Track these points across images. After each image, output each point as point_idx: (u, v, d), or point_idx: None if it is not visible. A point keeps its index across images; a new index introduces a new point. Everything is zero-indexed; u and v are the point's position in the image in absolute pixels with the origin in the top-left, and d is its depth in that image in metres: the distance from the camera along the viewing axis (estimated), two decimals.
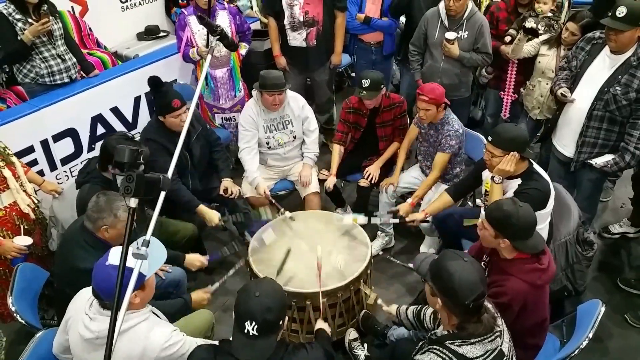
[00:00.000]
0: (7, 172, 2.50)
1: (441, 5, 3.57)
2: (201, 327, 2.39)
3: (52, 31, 3.35)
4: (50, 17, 3.30)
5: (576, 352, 2.07)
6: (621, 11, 2.61)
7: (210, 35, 2.00)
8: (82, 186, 2.62)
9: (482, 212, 2.84)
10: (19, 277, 2.35)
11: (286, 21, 3.86)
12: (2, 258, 2.57)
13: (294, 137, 3.44)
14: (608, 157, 2.91)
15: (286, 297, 1.83)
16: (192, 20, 3.62)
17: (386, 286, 3.30)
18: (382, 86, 3.26)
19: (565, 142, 3.10)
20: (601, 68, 2.85)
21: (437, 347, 1.77)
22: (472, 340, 1.75)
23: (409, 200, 3.15)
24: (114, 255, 1.78)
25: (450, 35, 3.44)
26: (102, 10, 4.84)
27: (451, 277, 1.74)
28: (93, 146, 3.62)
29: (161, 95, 3.00)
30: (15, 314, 2.21)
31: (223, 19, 3.68)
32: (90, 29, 4.59)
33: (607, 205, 3.90)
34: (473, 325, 1.76)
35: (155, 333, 1.82)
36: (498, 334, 1.79)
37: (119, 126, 3.76)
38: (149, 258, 1.59)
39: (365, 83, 3.19)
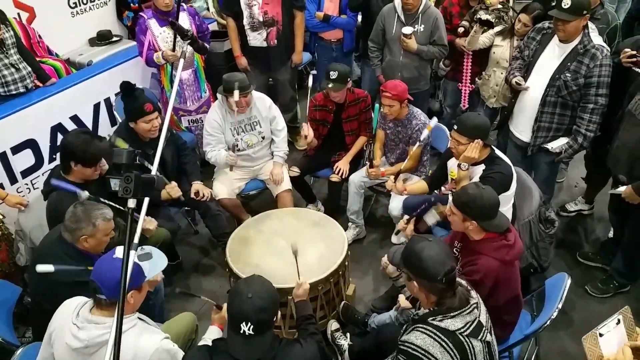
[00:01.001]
0: None
1: (396, 0, 3.68)
2: (184, 330, 2.39)
3: (3, 40, 3.23)
4: (1, 26, 3.18)
5: (548, 322, 2.20)
6: (566, 3, 2.78)
7: (181, 39, 2.00)
8: (50, 195, 2.55)
9: (450, 199, 2.98)
10: None
11: (245, 21, 3.87)
12: None
13: (263, 138, 3.45)
14: (563, 141, 3.09)
15: (277, 293, 1.86)
16: (153, 24, 3.57)
17: (361, 275, 3.38)
18: (348, 79, 3.33)
19: (522, 128, 3.27)
20: (552, 57, 3.02)
21: (421, 325, 1.87)
22: (452, 314, 1.85)
23: (381, 169, 3.25)
24: (121, 250, 1.79)
25: (407, 30, 3.56)
26: (50, 16, 4.67)
27: (420, 258, 1.86)
28: (54, 156, 3.50)
29: (133, 100, 2.97)
30: None
31: (183, 20, 3.64)
32: (39, 36, 4.42)
33: (562, 185, 4.13)
34: (450, 300, 1.87)
35: (145, 339, 1.82)
36: (475, 305, 1.91)
37: None
38: (152, 262, 1.61)
39: (333, 75, 3.26)
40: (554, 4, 2.85)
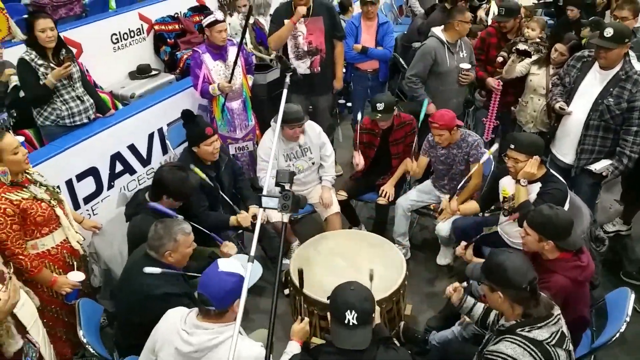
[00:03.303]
0: (59, 211, 2.54)
1: (438, 33, 3.87)
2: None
3: (71, 74, 3.43)
4: (70, 62, 3.39)
5: (617, 335, 2.28)
6: (609, 32, 2.97)
7: (284, 72, 2.22)
8: (134, 217, 2.69)
9: (502, 217, 3.09)
10: (83, 312, 2.39)
11: (290, 50, 4.08)
12: (55, 295, 2.58)
13: (313, 163, 3.61)
14: (605, 163, 3.22)
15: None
16: (207, 58, 3.76)
17: (410, 296, 3.44)
18: (394, 108, 3.50)
19: (565, 151, 3.40)
20: (593, 83, 3.18)
21: (510, 336, 1.96)
22: (539, 325, 1.95)
23: (450, 205, 3.30)
24: (224, 263, 1.94)
25: (466, 65, 3.83)
26: (95, 51, 4.93)
27: (504, 269, 1.97)
28: (112, 184, 3.65)
29: (194, 125, 3.17)
30: (87, 346, 2.28)
31: (234, 54, 3.84)
32: (87, 70, 4.66)
33: (597, 207, 4.22)
34: (535, 310, 1.97)
35: (248, 345, 1.96)
36: (558, 317, 2.00)
37: (135, 163, 3.81)
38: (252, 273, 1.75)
39: (380, 106, 3.43)
40: (598, 34, 3.02)
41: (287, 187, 1.74)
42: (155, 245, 2.32)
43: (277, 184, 1.73)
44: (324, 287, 2.75)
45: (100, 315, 2.58)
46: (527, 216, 2.44)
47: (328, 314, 2.00)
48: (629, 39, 2.99)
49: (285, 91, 2.03)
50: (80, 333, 2.29)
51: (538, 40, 3.82)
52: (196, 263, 2.58)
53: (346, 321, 1.85)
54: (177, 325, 1.95)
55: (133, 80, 5.26)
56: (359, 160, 3.60)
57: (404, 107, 3.96)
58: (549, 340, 1.92)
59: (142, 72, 5.32)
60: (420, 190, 3.70)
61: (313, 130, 3.59)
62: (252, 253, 1.71)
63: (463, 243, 2.94)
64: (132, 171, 3.79)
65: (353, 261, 2.96)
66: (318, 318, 2.74)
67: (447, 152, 3.43)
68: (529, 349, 1.89)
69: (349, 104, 5.56)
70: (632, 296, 2.40)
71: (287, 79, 2.14)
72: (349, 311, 1.86)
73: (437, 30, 3.89)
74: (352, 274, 2.82)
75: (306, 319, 2.29)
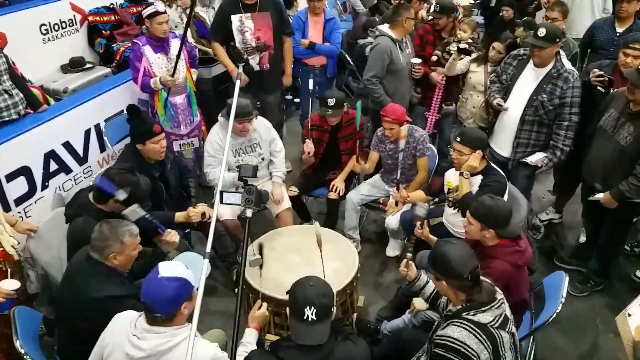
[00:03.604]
0: None
1: (386, 30, 3.93)
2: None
3: None
4: None
5: (554, 315, 2.43)
6: (542, 32, 3.16)
7: (237, 62, 2.12)
8: (75, 219, 2.54)
9: (447, 208, 3.21)
10: (19, 321, 2.23)
11: (238, 46, 3.98)
12: None
13: (262, 159, 3.57)
14: (540, 155, 3.42)
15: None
16: (148, 50, 3.62)
17: (361, 287, 3.50)
18: (344, 104, 3.53)
19: (502, 145, 3.57)
20: (528, 80, 3.36)
21: (456, 320, 2.05)
22: (483, 309, 2.04)
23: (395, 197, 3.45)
24: (165, 268, 1.85)
25: (417, 60, 3.92)
26: (22, 42, 4.59)
27: (446, 259, 2.06)
28: (47, 184, 3.43)
29: (140, 122, 3.04)
30: (25, 356, 2.13)
31: (176, 47, 3.72)
32: (13, 62, 4.34)
33: (531, 198, 4.48)
34: (478, 295, 2.07)
35: (202, 346, 1.90)
36: (502, 301, 2.11)
37: (71, 162, 3.60)
38: (195, 270, 1.71)
39: (331, 102, 3.45)
40: (532, 33, 3.21)
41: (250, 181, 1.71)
42: (99, 247, 2.20)
43: (240, 179, 1.70)
44: (280, 283, 2.73)
45: (39, 323, 2.41)
46: (469, 207, 2.55)
47: (287, 309, 1.99)
48: (559, 38, 3.19)
49: (238, 82, 1.98)
50: (17, 343, 2.15)
51: (470, 41, 4.00)
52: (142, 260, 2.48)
53: (305, 317, 1.85)
54: (126, 330, 1.87)
55: (65, 74, 4.96)
56: (310, 147, 3.59)
57: (351, 103, 3.99)
58: (493, 323, 2.02)
59: (75, 65, 5.03)
60: (370, 184, 3.77)
61: (262, 126, 3.55)
62: (208, 250, 1.67)
63: (418, 223, 3.01)
64: (67, 170, 3.59)
65: (308, 256, 2.95)
66: (272, 314, 2.71)
67: (395, 147, 3.51)
68: (473, 332, 1.98)
69: (297, 100, 5.56)
70: (566, 279, 2.57)
71: (240, 70, 2.08)
72: (308, 307, 1.85)
73: (385, 28, 3.94)
74: (308, 269, 2.83)
75: (265, 304, 2.28)
